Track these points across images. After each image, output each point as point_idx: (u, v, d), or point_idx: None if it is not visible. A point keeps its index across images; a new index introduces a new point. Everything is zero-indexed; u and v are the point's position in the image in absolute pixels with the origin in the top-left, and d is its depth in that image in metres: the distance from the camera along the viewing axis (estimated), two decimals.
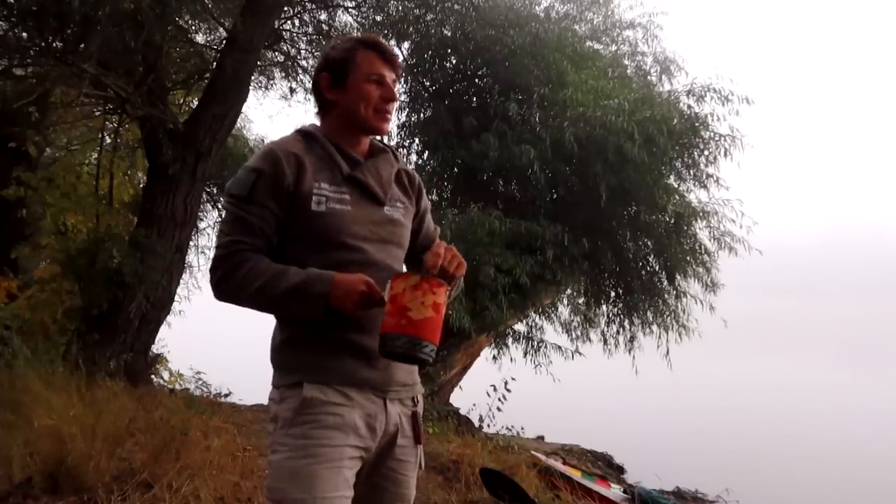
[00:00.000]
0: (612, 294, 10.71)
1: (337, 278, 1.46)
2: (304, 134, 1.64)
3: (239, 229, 1.53)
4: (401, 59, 1.58)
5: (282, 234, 1.55)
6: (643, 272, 10.19)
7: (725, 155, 9.46)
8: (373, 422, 1.52)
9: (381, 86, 1.62)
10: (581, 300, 11.11)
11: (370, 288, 1.45)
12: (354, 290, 1.44)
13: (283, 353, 1.57)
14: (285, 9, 9.33)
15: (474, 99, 10.69)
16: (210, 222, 11.91)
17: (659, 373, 10.29)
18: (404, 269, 1.69)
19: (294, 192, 1.53)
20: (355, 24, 10.22)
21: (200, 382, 8.67)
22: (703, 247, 9.97)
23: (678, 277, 10.01)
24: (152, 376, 8.37)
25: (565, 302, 11.31)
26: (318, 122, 1.70)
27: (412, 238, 1.73)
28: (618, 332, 10.79)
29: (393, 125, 11.02)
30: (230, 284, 1.51)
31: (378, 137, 1.72)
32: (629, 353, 10.63)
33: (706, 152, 9.65)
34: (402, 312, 1.39)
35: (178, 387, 8.50)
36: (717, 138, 9.51)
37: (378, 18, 10.36)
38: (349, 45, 1.64)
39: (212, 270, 1.54)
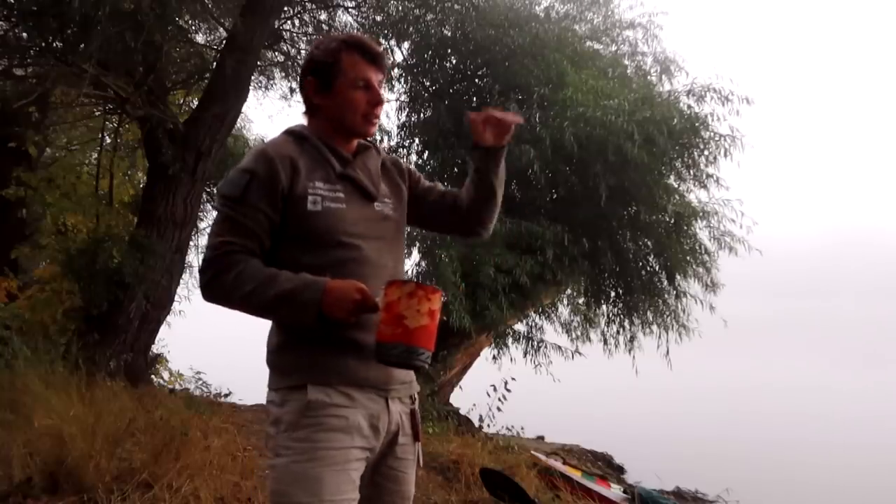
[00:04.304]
0: (612, 294, 10.70)
1: (329, 285, 1.44)
2: (294, 135, 1.63)
3: (230, 230, 1.51)
4: (388, 57, 1.54)
5: (276, 235, 1.54)
6: (643, 272, 10.17)
7: (725, 155, 9.44)
8: (376, 422, 1.52)
9: (369, 90, 1.60)
10: (581, 300, 11.09)
11: (364, 296, 1.43)
12: (348, 297, 1.43)
13: (283, 354, 1.56)
14: (285, 9, 9.33)
15: (474, 99, 10.67)
16: (210, 222, 11.90)
17: (659, 373, 10.29)
18: (396, 266, 1.67)
19: (289, 195, 1.52)
20: (355, 24, 10.23)
21: (200, 382, 8.64)
22: (703, 247, 9.96)
23: (678, 277, 10.00)
24: (152, 376, 8.37)
25: (565, 302, 11.29)
26: (304, 122, 1.68)
27: (425, 197, 1.77)
28: (618, 332, 10.77)
29: (393, 125, 11.04)
30: (220, 287, 1.50)
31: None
32: (629, 353, 10.62)
33: (706, 152, 9.63)
34: (397, 321, 1.38)
35: (178, 387, 8.50)
36: (717, 138, 9.49)
37: (378, 18, 10.36)
38: (333, 47, 1.61)
39: (202, 272, 1.53)
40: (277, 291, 1.45)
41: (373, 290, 1.46)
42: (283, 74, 10.47)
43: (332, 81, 1.60)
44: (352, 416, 1.48)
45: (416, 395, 1.67)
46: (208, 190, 10.12)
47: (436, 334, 1.44)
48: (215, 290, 1.52)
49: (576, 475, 6.19)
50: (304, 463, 1.43)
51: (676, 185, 10.01)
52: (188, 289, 11.06)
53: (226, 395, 8.10)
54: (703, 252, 9.95)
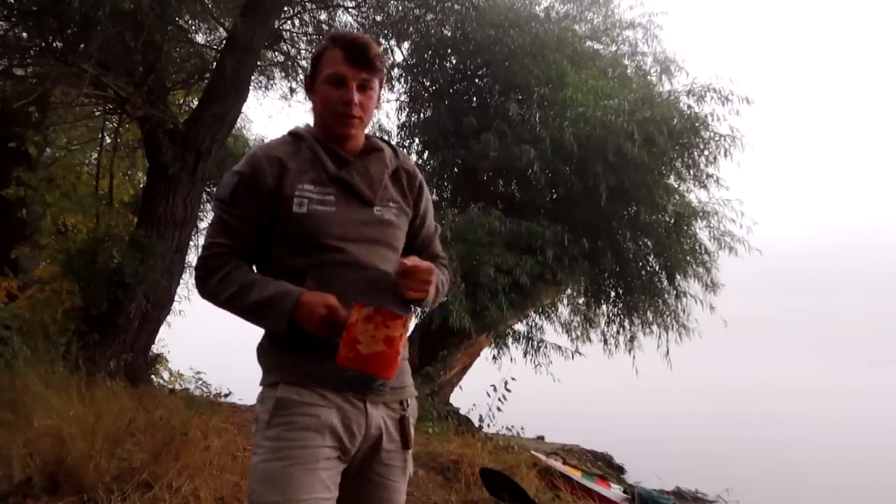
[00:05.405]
0: (612, 294, 10.71)
1: (302, 299, 1.43)
2: (294, 135, 1.62)
3: (220, 231, 1.55)
4: (385, 56, 1.43)
5: (266, 236, 1.54)
6: (643, 272, 10.18)
7: (725, 155, 9.47)
8: (351, 423, 1.49)
9: (341, 87, 1.53)
10: (581, 300, 11.10)
11: (330, 312, 1.42)
12: (315, 313, 1.42)
13: (264, 354, 1.57)
14: (285, 9, 9.33)
15: (474, 99, 10.69)
16: (209, 222, 11.89)
17: (659, 373, 10.30)
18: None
19: (275, 195, 1.52)
20: (355, 25, 10.23)
21: (200, 382, 8.63)
22: (703, 247, 9.98)
23: (678, 277, 10.01)
24: (152, 376, 8.36)
25: (565, 302, 11.30)
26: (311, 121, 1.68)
27: (413, 238, 1.69)
28: (618, 332, 10.79)
29: (393, 125, 11.03)
30: (207, 287, 1.54)
31: (378, 134, 1.71)
32: (629, 353, 10.64)
33: (706, 152, 9.65)
34: (352, 345, 1.36)
35: (178, 387, 8.49)
36: (717, 138, 9.51)
37: (378, 18, 10.37)
38: (322, 45, 1.61)
39: (195, 270, 1.57)
40: (255, 298, 1.47)
41: (365, 295, 1.44)
42: (283, 74, 10.47)
43: (315, 79, 1.59)
44: (324, 415, 1.46)
45: (410, 401, 1.62)
46: (208, 190, 10.11)
47: (395, 362, 1.40)
48: (204, 290, 1.56)
49: (576, 475, 6.19)
50: (274, 462, 1.42)
51: (676, 185, 10.03)
52: (188, 289, 11.02)
53: (226, 395, 8.10)
54: (703, 252, 9.96)
